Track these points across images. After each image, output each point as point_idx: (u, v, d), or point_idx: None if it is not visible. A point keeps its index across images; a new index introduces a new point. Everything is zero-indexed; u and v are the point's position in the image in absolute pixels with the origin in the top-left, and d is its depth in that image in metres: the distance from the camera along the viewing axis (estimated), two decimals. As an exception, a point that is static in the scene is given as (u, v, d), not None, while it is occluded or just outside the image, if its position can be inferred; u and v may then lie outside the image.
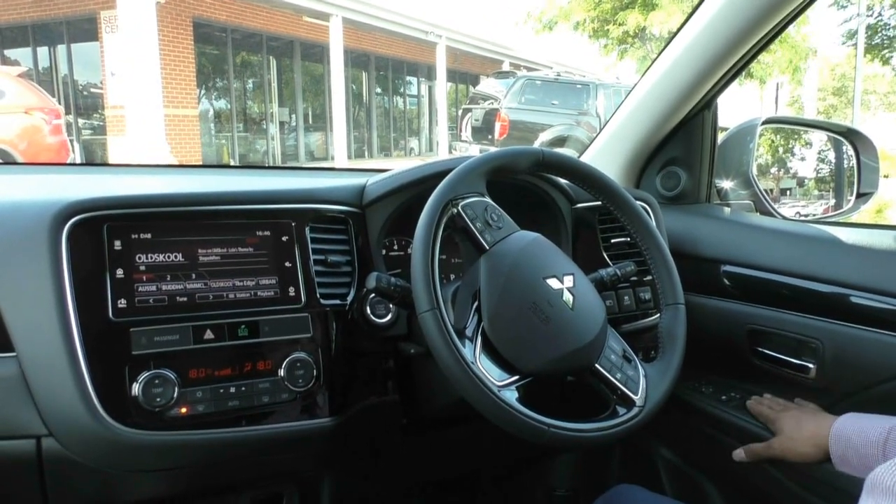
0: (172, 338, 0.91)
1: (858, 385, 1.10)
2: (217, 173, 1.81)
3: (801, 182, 1.79)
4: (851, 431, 0.97)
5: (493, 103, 10.52)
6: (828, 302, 1.14)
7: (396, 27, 14.04)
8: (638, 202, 1.11)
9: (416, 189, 1.13)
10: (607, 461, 1.58)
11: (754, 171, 1.44)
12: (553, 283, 0.93)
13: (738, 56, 1.28)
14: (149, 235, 0.94)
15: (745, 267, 1.28)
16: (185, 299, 0.94)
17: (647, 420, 0.94)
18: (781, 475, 1.13)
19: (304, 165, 12.91)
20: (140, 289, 0.91)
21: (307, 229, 1.04)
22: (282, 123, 14.05)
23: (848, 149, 1.59)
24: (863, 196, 1.56)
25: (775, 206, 1.45)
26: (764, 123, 1.48)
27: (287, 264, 1.02)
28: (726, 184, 1.49)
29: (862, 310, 1.09)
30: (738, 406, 1.25)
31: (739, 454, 1.14)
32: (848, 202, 1.59)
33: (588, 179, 1.07)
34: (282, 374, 0.96)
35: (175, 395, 0.89)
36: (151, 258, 0.93)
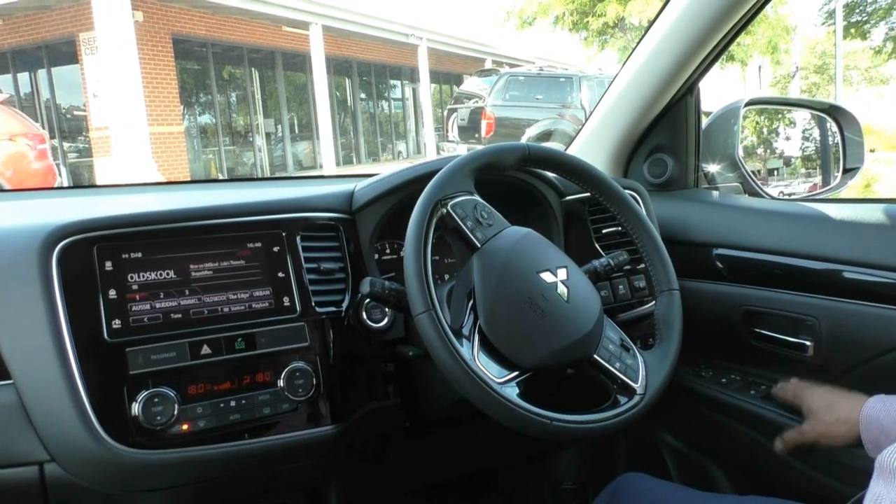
0: (169, 355, 0.91)
1: (857, 359, 1.10)
2: (205, 188, 1.80)
3: (787, 161, 1.80)
4: (882, 414, 0.93)
5: (477, 102, 10.53)
6: (821, 279, 1.14)
7: (376, 31, 14.03)
8: (626, 191, 1.11)
9: (404, 192, 1.13)
10: (613, 452, 1.58)
11: (740, 153, 1.45)
12: (547, 276, 0.93)
13: (716, 40, 1.29)
14: (139, 254, 0.94)
15: (736, 249, 1.28)
16: (179, 316, 0.94)
17: (649, 408, 0.94)
18: (788, 455, 1.13)
19: (292, 175, 12.89)
20: (134, 308, 0.91)
21: (298, 238, 1.04)
22: (268, 134, 14.02)
23: (832, 125, 1.60)
24: (849, 171, 1.56)
25: (763, 187, 1.46)
26: (747, 105, 1.49)
27: (280, 275, 1.01)
28: (713, 167, 1.49)
29: (855, 284, 1.10)
30: (738, 388, 1.25)
31: (779, 446, 1.08)
32: (835, 178, 1.60)
33: (575, 171, 1.07)
34: (281, 384, 0.96)
35: (175, 412, 0.89)
36: (143, 276, 0.93)
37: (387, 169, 1.22)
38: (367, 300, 1.05)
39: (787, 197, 1.61)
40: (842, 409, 1.00)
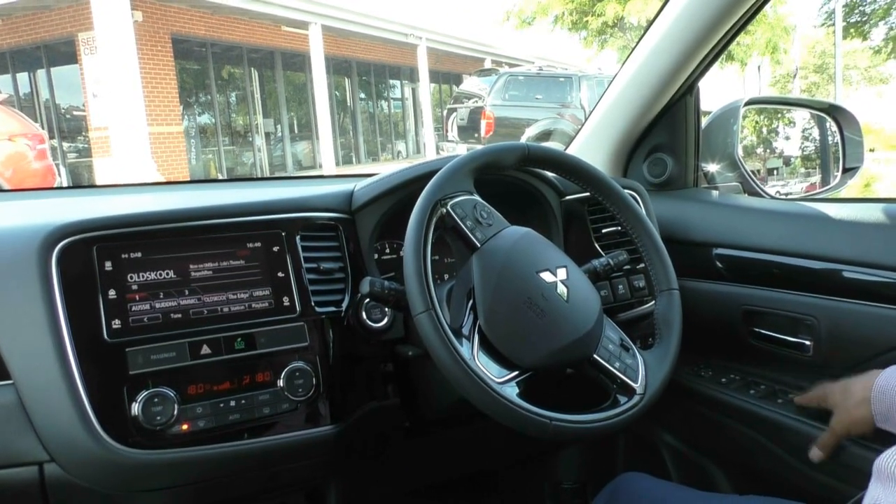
0: (169, 355, 0.91)
1: (856, 359, 1.10)
2: (205, 188, 1.80)
3: (787, 161, 1.80)
4: (894, 386, 0.90)
5: (477, 101, 10.52)
6: (821, 278, 1.14)
7: (376, 31, 14.03)
8: (626, 191, 1.11)
9: (404, 192, 1.13)
10: (612, 451, 1.58)
11: (740, 152, 1.45)
12: (546, 276, 0.93)
13: (715, 39, 1.29)
14: (139, 254, 0.94)
15: (736, 249, 1.28)
16: (179, 316, 0.94)
17: (648, 407, 0.94)
18: (788, 455, 1.13)
19: (291, 175, 12.89)
20: (133, 308, 0.91)
21: (298, 238, 1.04)
22: (267, 134, 14.01)
23: (831, 125, 1.60)
24: (849, 171, 1.56)
25: (763, 187, 1.46)
26: (747, 104, 1.49)
27: (280, 274, 1.01)
28: (713, 167, 1.49)
29: (855, 284, 1.10)
30: (738, 388, 1.25)
31: (815, 454, 1.02)
32: (834, 178, 1.60)
33: (575, 171, 1.07)
34: (281, 384, 0.96)
35: (175, 412, 0.89)
36: (143, 276, 0.93)
37: (386, 169, 1.22)
38: (367, 300, 1.05)
39: (783, 197, 1.61)
40: (858, 391, 0.96)
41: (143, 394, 0.87)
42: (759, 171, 1.74)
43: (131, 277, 0.92)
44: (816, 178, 1.71)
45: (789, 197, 1.61)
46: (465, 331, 0.89)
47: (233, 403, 0.93)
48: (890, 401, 0.90)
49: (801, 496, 0.92)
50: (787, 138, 1.83)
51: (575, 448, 1.61)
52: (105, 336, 0.88)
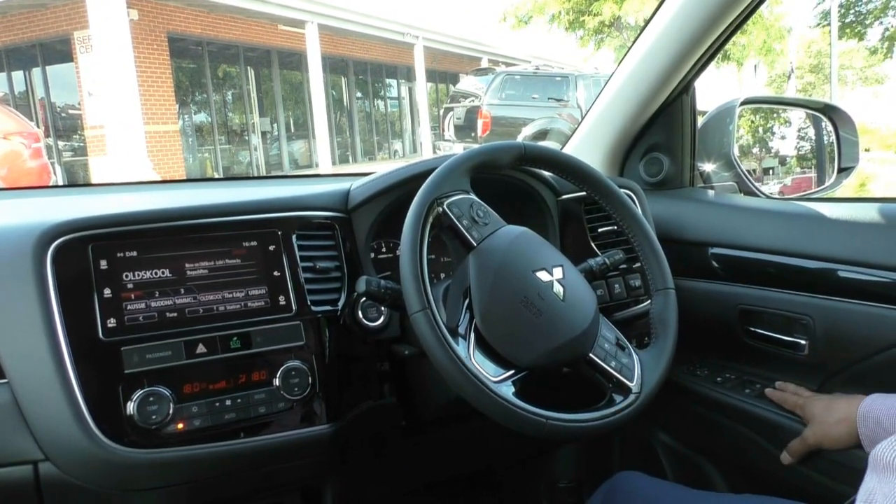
0: (164, 354, 0.90)
1: (852, 359, 1.11)
2: (201, 187, 1.79)
3: (782, 160, 1.80)
4: (880, 410, 0.95)
5: (474, 101, 10.52)
6: (816, 278, 1.15)
7: (372, 30, 14.02)
8: (622, 190, 1.11)
9: (400, 191, 1.13)
10: (608, 450, 1.58)
11: (736, 152, 1.45)
12: (543, 275, 0.93)
13: (712, 39, 1.29)
14: (135, 253, 0.94)
15: (732, 248, 1.28)
16: (175, 314, 0.94)
17: (644, 406, 0.94)
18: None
19: (288, 174, 12.87)
20: (129, 307, 0.91)
21: (294, 237, 1.04)
22: (264, 133, 13.99)
23: (827, 125, 1.60)
24: (844, 171, 1.56)
25: (758, 186, 1.46)
26: (743, 104, 1.49)
27: (276, 273, 1.01)
28: (709, 166, 1.49)
29: (850, 283, 1.10)
30: (733, 387, 1.26)
31: (785, 458, 1.09)
32: (830, 177, 1.60)
33: (571, 170, 1.07)
34: (277, 383, 0.96)
35: (171, 411, 0.88)
36: (139, 275, 0.93)
37: (383, 168, 1.22)
38: (363, 299, 1.05)
39: (784, 196, 1.61)
40: (841, 410, 1.01)
41: (139, 393, 0.87)
42: (754, 170, 1.74)
43: (127, 276, 0.92)
44: (787, 181, 1.72)
45: (785, 197, 1.61)
46: (462, 330, 0.89)
47: (228, 402, 0.93)
48: (874, 425, 0.95)
49: (796, 495, 0.92)
50: (783, 138, 1.84)
51: (571, 447, 1.61)
52: (100, 335, 0.88)
